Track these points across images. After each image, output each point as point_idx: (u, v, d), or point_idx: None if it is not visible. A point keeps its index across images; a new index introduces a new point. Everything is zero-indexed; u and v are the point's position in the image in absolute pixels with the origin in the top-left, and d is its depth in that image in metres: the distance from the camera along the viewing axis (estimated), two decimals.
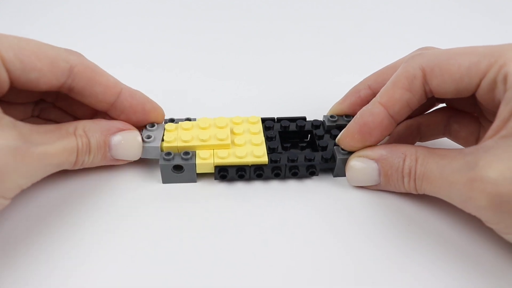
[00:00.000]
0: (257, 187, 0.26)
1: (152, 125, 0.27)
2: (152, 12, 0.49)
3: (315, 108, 0.33)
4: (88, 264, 0.21)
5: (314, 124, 0.29)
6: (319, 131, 0.28)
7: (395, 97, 0.24)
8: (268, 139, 0.28)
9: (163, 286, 0.21)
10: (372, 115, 0.24)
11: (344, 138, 0.26)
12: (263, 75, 0.38)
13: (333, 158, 0.26)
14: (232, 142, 0.26)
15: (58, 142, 0.22)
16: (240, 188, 0.26)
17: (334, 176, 0.27)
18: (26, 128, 0.21)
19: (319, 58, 0.41)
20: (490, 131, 0.21)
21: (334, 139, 0.28)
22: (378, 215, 0.25)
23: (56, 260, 0.21)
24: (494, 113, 0.22)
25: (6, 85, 0.21)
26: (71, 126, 0.23)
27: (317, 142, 0.28)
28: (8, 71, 0.21)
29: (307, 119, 0.29)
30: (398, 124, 0.25)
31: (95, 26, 0.46)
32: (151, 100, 0.26)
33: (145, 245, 0.22)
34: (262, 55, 0.42)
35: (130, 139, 0.25)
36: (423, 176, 0.22)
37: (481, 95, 0.22)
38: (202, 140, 0.26)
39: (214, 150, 0.26)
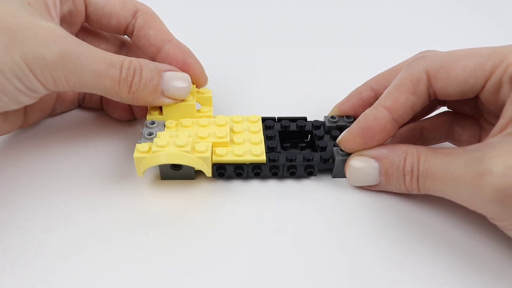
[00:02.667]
0: (255, 185, 0.26)
1: (153, 122, 0.27)
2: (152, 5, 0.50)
3: (317, 108, 0.33)
4: (93, 264, 0.22)
5: (314, 124, 0.29)
6: (319, 132, 0.28)
7: (399, 101, 0.23)
8: (267, 138, 0.28)
9: (161, 281, 0.21)
10: (376, 119, 0.24)
11: (345, 140, 0.25)
12: (264, 75, 0.39)
13: (332, 158, 0.26)
14: (231, 140, 0.27)
15: (101, 53, 0.23)
16: (237, 186, 0.26)
17: (332, 177, 0.27)
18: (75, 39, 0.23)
19: (323, 58, 0.41)
20: (495, 129, 0.21)
21: (334, 139, 0.28)
22: (377, 216, 0.25)
23: (58, 257, 0.22)
24: (495, 114, 0.22)
25: (82, 14, 0.27)
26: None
27: (317, 142, 0.28)
28: (86, 4, 0.26)
29: (308, 120, 0.29)
30: (400, 127, 0.25)
31: None
32: (195, 58, 0.28)
33: (141, 243, 0.23)
34: (265, 54, 0.42)
35: (183, 76, 0.26)
36: (427, 174, 0.22)
37: (485, 96, 0.22)
38: (201, 138, 0.26)
39: (213, 147, 0.26)
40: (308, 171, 0.26)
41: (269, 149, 0.27)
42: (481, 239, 0.23)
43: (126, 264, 0.21)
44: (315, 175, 0.27)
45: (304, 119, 0.29)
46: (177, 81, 0.26)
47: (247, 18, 0.49)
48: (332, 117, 0.29)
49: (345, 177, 0.27)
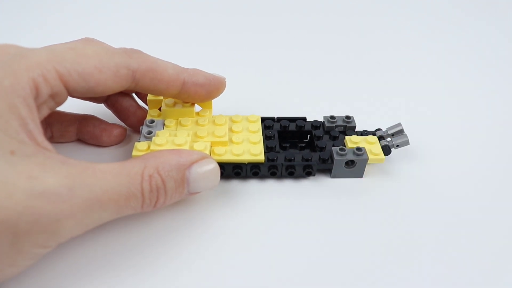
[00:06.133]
0: (253, 185, 0.26)
1: (152, 121, 0.27)
2: (152, 8, 0.50)
3: (316, 108, 0.33)
4: (94, 264, 0.22)
5: (313, 124, 0.29)
6: (318, 132, 0.28)
7: None
8: (266, 138, 0.28)
9: (161, 280, 0.21)
10: None
11: None
12: (264, 75, 0.39)
13: (331, 159, 0.26)
14: (230, 139, 0.27)
15: (114, 186, 0.19)
16: (236, 186, 0.26)
17: (331, 177, 0.27)
18: (78, 166, 0.19)
19: (323, 59, 0.41)
20: None
21: (333, 140, 0.28)
22: (376, 216, 0.25)
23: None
24: None
25: (65, 98, 0.21)
26: (138, 165, 0.20)
27: (316, 142, 0.28)
28: (71, 91, 0.21)
29: (307, 120, 0.29)
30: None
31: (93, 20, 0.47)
32: (212, 78, 0.26)
33: (138, 242, 0.23)
34: (266, 55, 0.42)
35: (208, 170, 0.22)
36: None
37: None
38: (200, 137, 0.26)
39: (212, 147, 0.26)
40: (306, 171, 0.26)
41: (268, 149, 0.27)
42: (480, 238, 0.23)
43: (126, 263, 0.21)
44: (314, 175, 0.27)
45: (304, 119, 0.29)
46: (204, 180, 0.22)
47: (247, 19, 0.49)
48: (332, 117, 0.29)
49: (344, 177, 0.27)
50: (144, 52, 0.24)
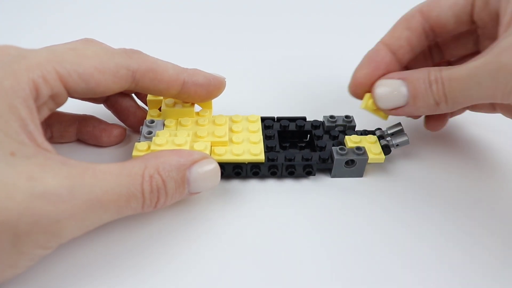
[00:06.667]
0: (254, 185, 0.26)
1: (152, 121, 0.27)
2: (152, 8, 0.50)
3: (316, 108, 0.33)
4: (96, 265, 0.22)
5: (313, 124, 0.29)
6: (318, 132, 0.28)
7: (394, 35, 0.26)
8: (266, 138, 0.28)
9: (161, 280, 0.21)
10: (374, 51, 0.26)
11: (355, 78, 0.26)
12: (264, 74, 0.39)
13: (330, 158, 0.26)
14: (230, 139, 0.27)
15: (114, 186, 0.19)
16: (236, 186, 0.26)
17: (331, 177, 0.27)
18: (78, 167, 0.19)
19: (323, 58, 0.41)
20: (501, 29, 0.22)
21: (333, 139, 0.28)
22: (376, 216, 0.25)
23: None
24: (492, 34, 0.24)
25: (65, 100, 0.21)
26: (138, 165, 0.20)
27: (316, 142, 0.28)
28: (71, 92, 0.21)
29: (307, 119, 0.29)
30: (404, 66, 0.27)
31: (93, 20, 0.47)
32: (212, 78, 0.26)
33: (138, 243, 0.23)
34: (266, 55, 0.42)
35: (208, 170, 0.22)
36: (451, 76, 0.22)
37: (478, 13, 0.24)
38: (200, 137, 0.26)
39: (212, 147, 0.26)
40: (307, 171, 0.26)
41: (268, 149, 0.27)
42: (482, 237, 0.23)
43: (126, 264, 0.22)
44: (314, 175, 0.27)
45: (303, 118, 0.29)
46: (204, 180, 0.22)
47: (247, 19, 0.49)
48: (331, 116, 0.29)
49: (344, 176, 0.27)
50: (144, 52, 0.24)
